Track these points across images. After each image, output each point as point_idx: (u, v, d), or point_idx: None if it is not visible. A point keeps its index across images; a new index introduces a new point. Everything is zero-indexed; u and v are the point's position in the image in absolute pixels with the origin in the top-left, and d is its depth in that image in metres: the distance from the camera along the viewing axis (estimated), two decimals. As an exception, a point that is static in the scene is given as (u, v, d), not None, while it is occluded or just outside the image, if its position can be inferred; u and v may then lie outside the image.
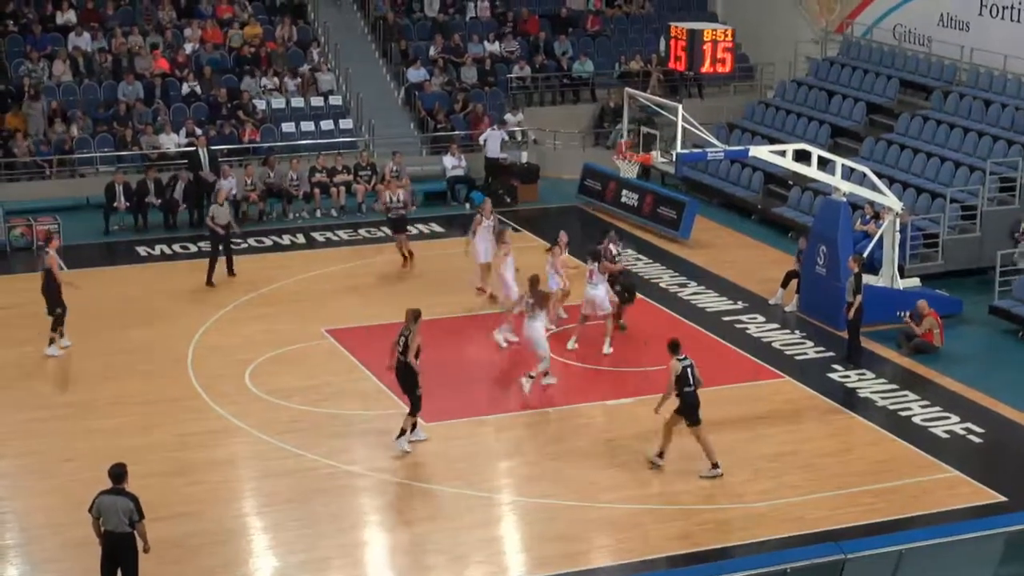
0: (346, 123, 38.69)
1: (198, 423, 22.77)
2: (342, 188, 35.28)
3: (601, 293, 25.76)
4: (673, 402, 20.89)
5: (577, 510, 19.99)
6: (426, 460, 21.48)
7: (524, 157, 37.98)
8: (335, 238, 33.19)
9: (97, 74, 38.34)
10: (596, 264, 25.89)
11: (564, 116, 40.58)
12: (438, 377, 24.70)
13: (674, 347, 21.00)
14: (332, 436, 22.18)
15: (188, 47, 39.78)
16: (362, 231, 33.81)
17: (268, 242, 32.81)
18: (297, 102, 38.85)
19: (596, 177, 36.37)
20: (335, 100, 39.32)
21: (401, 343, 21.56)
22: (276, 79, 39.16)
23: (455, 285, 29.40)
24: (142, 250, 31.90)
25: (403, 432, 21.54)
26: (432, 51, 41.19)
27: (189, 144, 36.06)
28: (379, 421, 22.73)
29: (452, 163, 36.70)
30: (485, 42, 41.92)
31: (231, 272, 29.87)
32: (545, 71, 41.70)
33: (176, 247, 32.05)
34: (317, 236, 33.32)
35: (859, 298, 25.24)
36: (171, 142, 36.30)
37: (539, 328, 23.87)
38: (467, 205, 36.12)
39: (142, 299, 28.72)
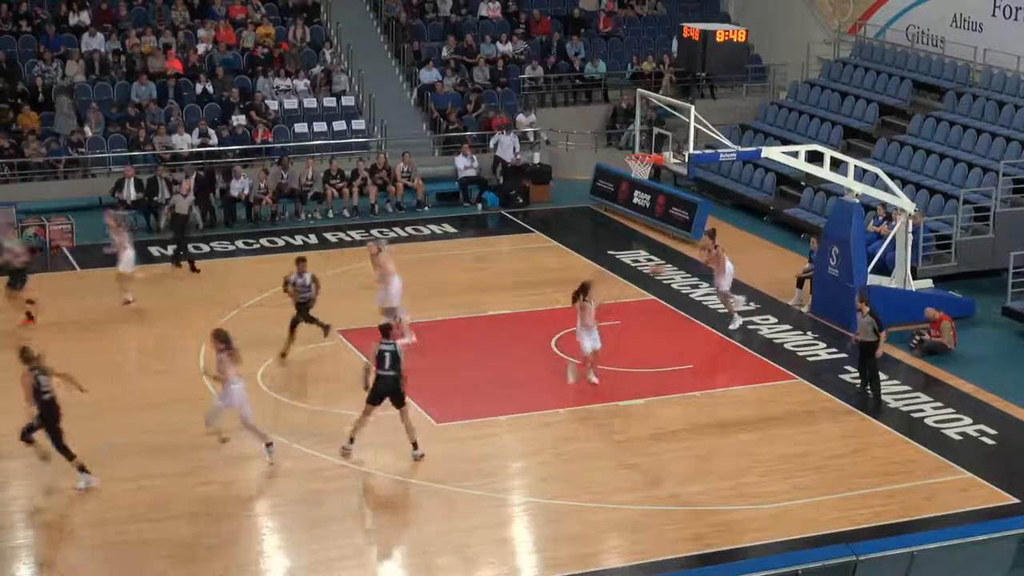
0: (359, 124, 38.71)
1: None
2: (355, 189, 35.35)
3: None
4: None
5: (589, 511, 19.95)
6: (438, 461, 21.44)
7: (536, 158, 37.98)
8: (347, 238, 33.19)
9: (110, 74, 38.41)
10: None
11: (576, 117, 40.56)
12: (451, 378, 24.74)
13: (383, 331, 21.49)
14: (344, 437, 22.13)
15: (201, 47, 39.83)
16: (374, 231, 33.79)
17: (280, 242, 32.83)
18: (310, 102, 38.89)
19: (608, 178, 36.34)
20: (348, 101, 39.35)
21: (43, 383, 20.29)
22: (289, 79, 39.19)
23: (465, 285, 29.47)
24: (154, 250, 31.88)
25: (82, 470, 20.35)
26: (444, 52, 41.20)
27: (202, 144, 36.17)
28: (391, 422, 22.67)
29: (464, 163, 36.72)
30: (498, 43, 41.91)
31: (188, 265, 30.51)
32: (557, 72, 41.69)
33: (188, 247, 31.99)
34: (330, 236, 33.33)
35: (884, 335, 23.93)
36: (184, 142, 36.35)
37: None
38: (479, 206, 36.14)
39: (154, 299, 28.72)
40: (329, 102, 39.11)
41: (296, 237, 33.25)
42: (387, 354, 21.18)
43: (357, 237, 33.21)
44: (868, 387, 24.08)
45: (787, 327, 27.53)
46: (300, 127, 38.09)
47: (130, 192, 33.55)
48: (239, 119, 37.45)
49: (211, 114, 37.63)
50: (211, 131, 36.65)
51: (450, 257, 31.93)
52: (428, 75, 40.26)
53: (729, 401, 24.01)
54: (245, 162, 36.20)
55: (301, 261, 25.63)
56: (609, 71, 41.87)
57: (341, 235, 33.48)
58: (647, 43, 43.32)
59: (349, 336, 26.40)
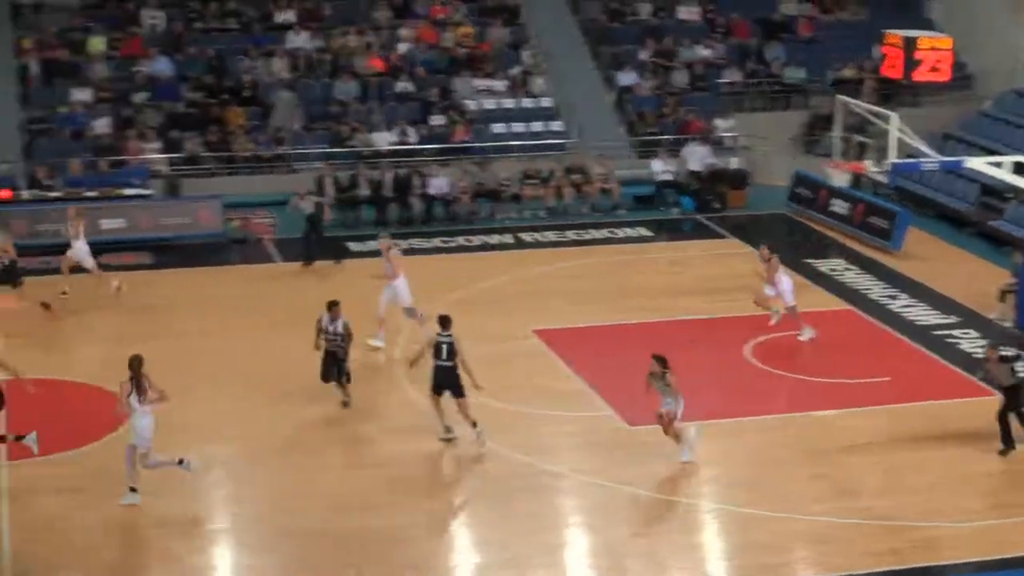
0: (556, 125, 38.85)
1: (399, 417, 23.05)
2: (551, 189, 35.54)
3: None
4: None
5: (780, 521, 19.74)
6: (630, 464, 21.39)
7: (733, 163, 37.74)
8: (543, 239, 33.38)
9: (315, 72, 39.11)
10: None
11: (774, 122, 40.12)
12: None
13: (442, 322, 21.70)
14: (536, 436, 22.25)
15: (402, 47, 40.34)
16: (570, 233, 33.96)
17: (477, 241, 33.16)
18: (508, 103, 39.15)
19: (807, 185, 35.97)
20: (546, 102, 39.50)
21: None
22: (488, 80, 39.50)
23: (660, 288, 29.44)
24: (353, 245, 32.38)
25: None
26: (643, 55, 41.13)
27: (400, 143, 36.69)
28: (583, 423, 22.80)
29: (661, 167, 36.65)
30: (697, 46, 41.68)
31: (308, 262, 30.97)
32: (756, 76, 41.34)
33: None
34: (525, 237, 33.57)
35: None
36: (383, 140, 36.89)
37: None
38: (675, 209, 36.03)
39: (353, 292, 29.06)
40: (527, 103, 39.32)
41: (492, 236, 33.59)
42: (444, 345, 21.49)
43: (553, 237, 33.42)
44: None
45: (988, 341, 26.87)
46: (498, 127, 38.37)
47: (330, 191, 34.15)
48: (438, 118, 37.89)
49: (410, 113, 38.11)
50: (410, 129, 37.14)
51: (645, 260, 31.89)
52: (626, 78, 40.24)
53: (925, 415, 23.52)
54: (443, 160, 36.58)
55: (334, 305, 23.09)
56: (809, 76, 41.37)
57: (537, 235, 33.68)
58: (848, 48, 42.59)
59: (544, 336, 26.52)
